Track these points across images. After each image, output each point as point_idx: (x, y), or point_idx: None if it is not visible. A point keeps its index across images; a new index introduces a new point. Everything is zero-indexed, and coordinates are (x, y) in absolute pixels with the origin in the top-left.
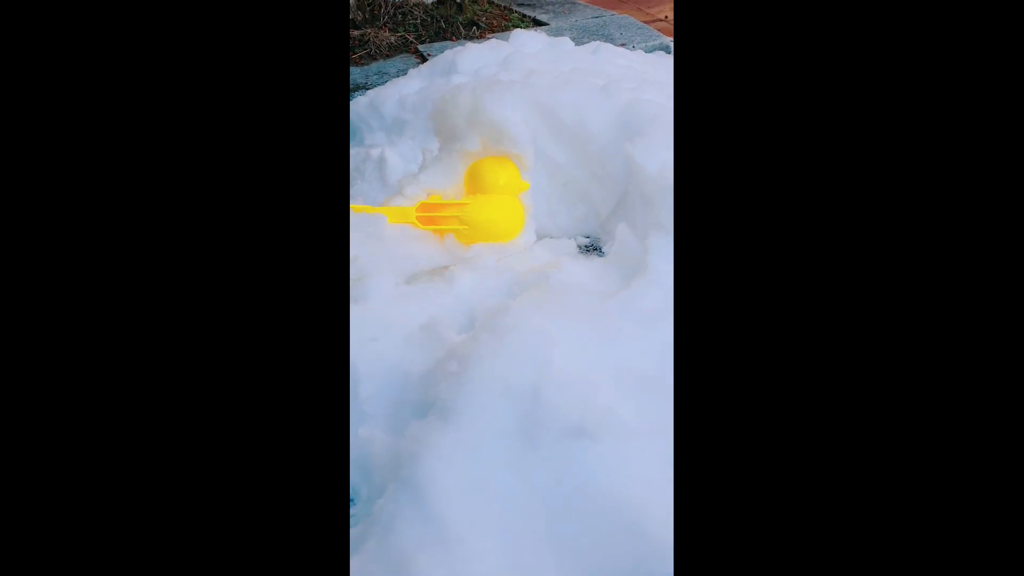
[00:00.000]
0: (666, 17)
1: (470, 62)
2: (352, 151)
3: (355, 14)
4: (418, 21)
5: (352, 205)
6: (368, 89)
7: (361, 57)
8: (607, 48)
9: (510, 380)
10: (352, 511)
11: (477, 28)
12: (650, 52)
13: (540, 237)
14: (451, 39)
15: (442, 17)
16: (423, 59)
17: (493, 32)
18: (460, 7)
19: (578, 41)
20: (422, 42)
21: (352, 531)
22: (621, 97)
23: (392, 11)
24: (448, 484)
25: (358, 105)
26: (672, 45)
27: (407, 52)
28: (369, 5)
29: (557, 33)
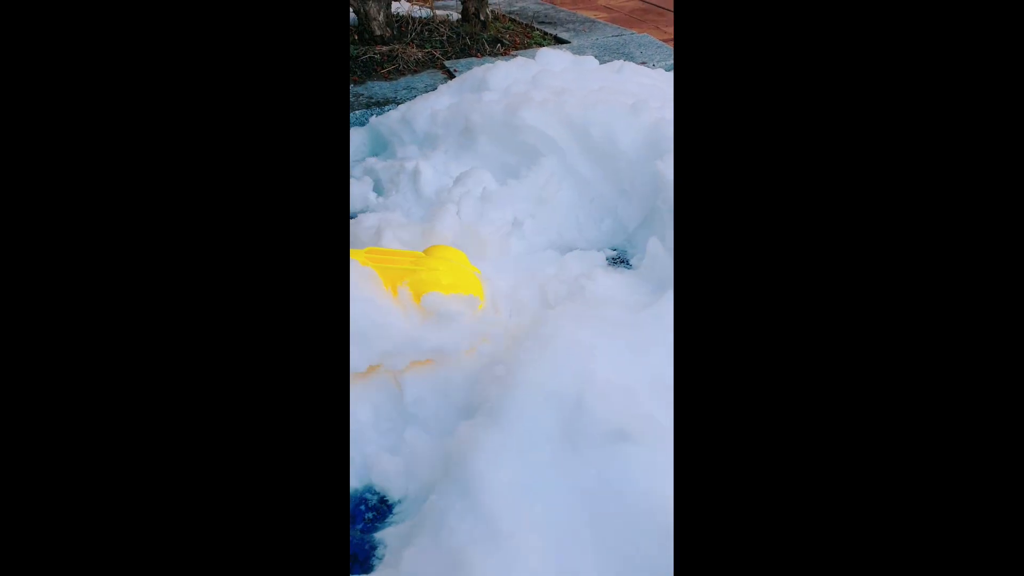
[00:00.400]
0: None
1: (500, 79)
2: (385, 163)
3: (384, 30)
4: (444, 38)
5: None
6: (397, 103)
7: (390, 72)
8: (631, 67)
9: (553, 386)
10: (398, 508)
11: (501, 45)
12: (670, 71)
13: (568, 250)
14: (476, 55)
15: (467, 34)
16: (449, 74)
17: (516, 49)
18: (484, 24)
19: (600, 60)
20: (448, 58)
21: (402, 526)
22: (649, 116)
23: (419, 28)
24: (497, 483)
25: (389, 119)
26: None
27: (434, 67)
28: (397, 22)
29: (579, 51)
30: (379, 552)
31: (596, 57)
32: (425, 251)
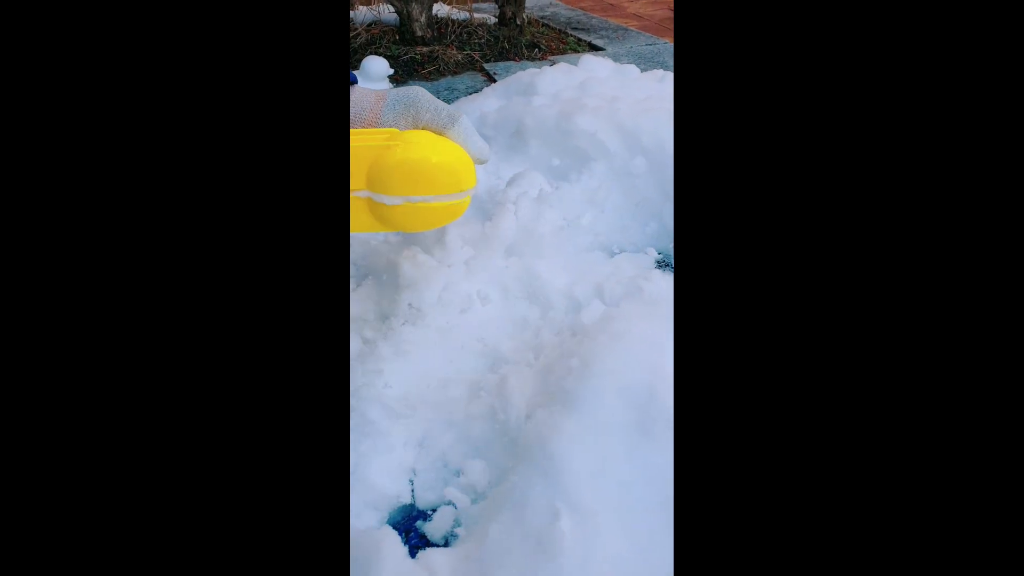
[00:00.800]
0: None
1: (548, 84)
2: None
3: (425, 32)
4: (483, 41)
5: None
6: None
7: (431, 73)
8: (672, 77)
9: (626, 378)
10: (471, 485)
11: (539, 50)
12: None
13: (615, 251)
14: (514, 59)
15: (505, 38)
16: (489, 77)
17: (552, 54)
18: (521, 29)
19: (638, 68)
20: (487, 61)
21: (483, 503)
22: None
23: (458, 30)
24: (576, 465)
25: None
26: None
27: (473, 69)
28: (436, 24)
29: (616, 59)
30: (456, 528)
31: (632, 64)
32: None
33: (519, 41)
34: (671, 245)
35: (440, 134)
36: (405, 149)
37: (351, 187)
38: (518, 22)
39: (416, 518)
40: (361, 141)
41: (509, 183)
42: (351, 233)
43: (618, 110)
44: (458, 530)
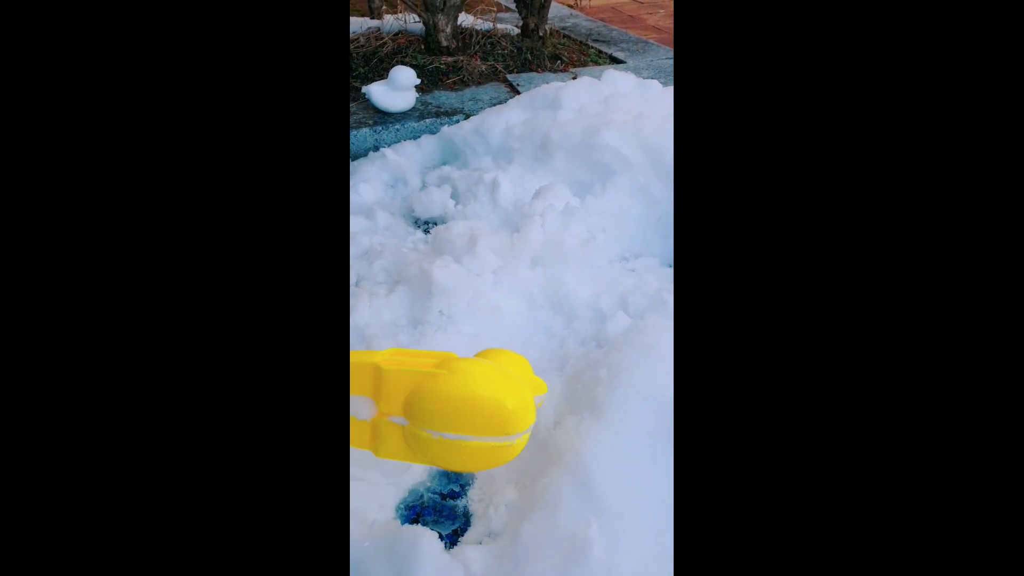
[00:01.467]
0: None
1: (572, 98)
2: (460, 172)
3: (450, 42)
4: (506, 52)
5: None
6: (466, 114)
7: (455, 83)
8: None
9: (653, 388)
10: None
11: (560, 62)
12: None
13: (640, 265)
14: (537, 71)
15: (528, 49)
16: (512, 88)
17: (574, 66)
18: (543, 40)
19: (660, 82)
20: (510, 71)
21: (514, 504)
22: None
23: (482, 41)
24: (605, 470)
25: (463, 129)
26: None
27: (496, 80)
28: (460, 34)
29: (636, 72)
30: (484, 526)
31: (654, 79)
32: (478, 355)
33: (541, 53)
34: None
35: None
36: (450, 378)
37: (385, 410)
38: (540, 33)
39: (444, 515)
40: (403, 364)
41: (535, 195)
42: (381, 458)
43: (643, 126)
44: (486, 527)
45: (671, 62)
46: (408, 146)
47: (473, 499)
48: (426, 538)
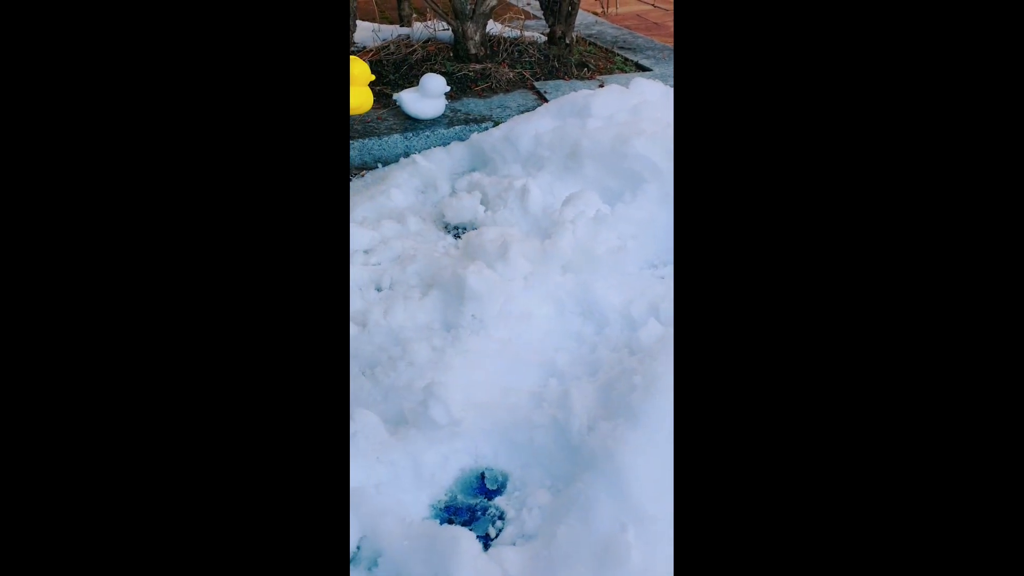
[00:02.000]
0: None
1: (601, 107)
2: (490, 179)
3: (479, 50)
4: (533, 59)
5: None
6: (494, 121)
7: (483, 90)
8: None
9: None
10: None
11: (587, 69)
12: None
13: (670, 273)
14: (564, 78)
15: (555, 56)
16: (539, 95)
17: (601, 74)
18: (569, 48)
19: None
20: (537, 79)
21: (549, 507)
22: None
23: (510, 48)
24: (640, 474)
25: (492, 136)
26: None
27: (524, 88)
28: (488, 41)
29: (663, 80)
30: (516, 528)
31: None
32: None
33: (568, 60)
34: None
35: None
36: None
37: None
38: (567, 41)
39: (476, 516)
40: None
41: (565, 202)
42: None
43: (670, 136)
44: (519, 530)
45: None
46: (438, 152)
47: (505, 502)
48: (465, 539)
